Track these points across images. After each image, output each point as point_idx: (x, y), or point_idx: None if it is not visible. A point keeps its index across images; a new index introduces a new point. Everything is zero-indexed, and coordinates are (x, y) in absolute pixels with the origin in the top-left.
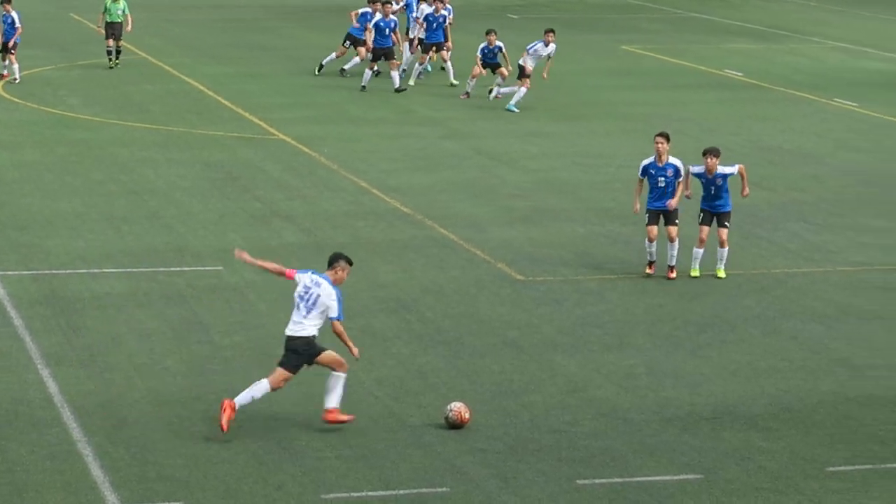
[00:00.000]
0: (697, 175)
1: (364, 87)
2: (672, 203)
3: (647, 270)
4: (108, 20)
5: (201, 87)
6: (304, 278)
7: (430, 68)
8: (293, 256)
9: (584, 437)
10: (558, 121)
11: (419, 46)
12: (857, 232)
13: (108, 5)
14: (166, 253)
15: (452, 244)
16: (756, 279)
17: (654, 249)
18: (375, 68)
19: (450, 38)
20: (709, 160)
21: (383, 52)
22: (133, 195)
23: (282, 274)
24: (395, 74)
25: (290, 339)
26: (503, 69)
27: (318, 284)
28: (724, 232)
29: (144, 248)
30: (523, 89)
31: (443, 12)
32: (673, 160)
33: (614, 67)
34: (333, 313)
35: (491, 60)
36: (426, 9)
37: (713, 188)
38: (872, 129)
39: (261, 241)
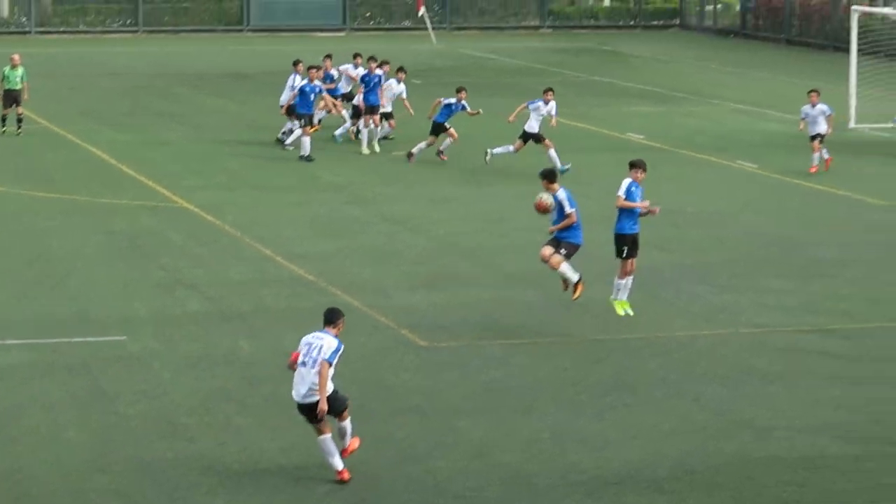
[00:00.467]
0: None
1: (307, 156)
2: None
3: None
4: (7, 87)
5: (104, 156)
6: (304, 340)
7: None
8: (196, 325)
9: (489, 502)
10: (463, 185)
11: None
12: (758, 293)
13: (6, 73)
14: (70, 323)
15: (356, 311)
16: (659, 342)
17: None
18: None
19: (409, 108)
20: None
21: (305, 117)
22: (36, 264)
23: (293, 365)
24: (306, 141)
25: (305, 406)
26: (453, 131)
27: (320, 338)
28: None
29: (47, 318)
30: (511, 147)
31: (378, 72)
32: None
33: (517, 131)
34: (326, 354)
35: (443, 120)
36: (359, 71)
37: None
38: (773, 190)
39: (164, 309)
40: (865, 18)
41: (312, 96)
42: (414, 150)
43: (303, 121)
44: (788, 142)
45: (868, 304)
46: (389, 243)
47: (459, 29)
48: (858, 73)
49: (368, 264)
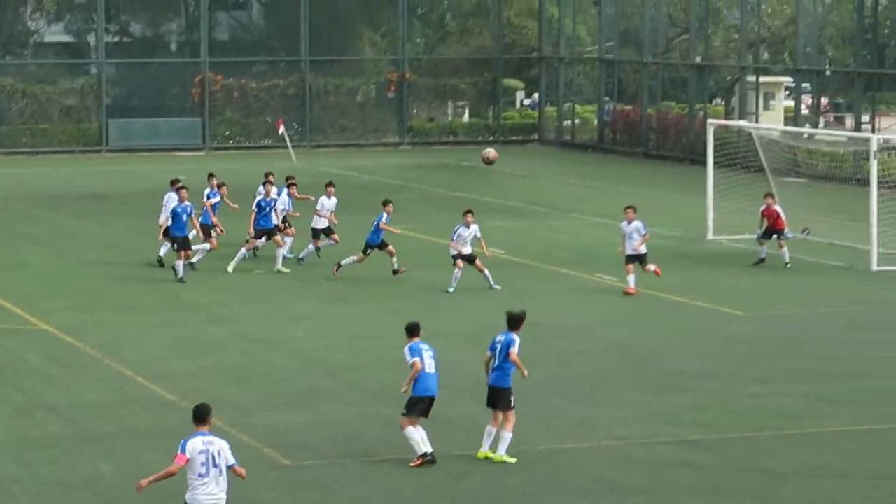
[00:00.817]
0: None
1: (181, 279)
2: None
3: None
4: None
5: None
6: (195, 445)
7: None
8: (56, 448)
9: None
10: (326, 302)
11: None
12: (618, 406)
13: None
14: None
15: (219, 430)
16: (521, 456)
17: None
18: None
19: (290, 225)
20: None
21: (178, 241)
22: None
23: (173, 473)
24: (180, 264)
25: None
26: (391, 248)
27: (211, 443)
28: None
29: None
30: (458, 271)
31: (273, 196)
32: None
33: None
34: (232, 460)
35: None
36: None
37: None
38: (632, 302)
39: (23, 433)
40: (721, 131)
41: (185, 217)
42: (343, 262)
43: (174, 245)
44: (650, 254)
45: (728, 415)
46: (251, 362)
47: (319, 146)
48: (716, 184)
49: (230, 383)
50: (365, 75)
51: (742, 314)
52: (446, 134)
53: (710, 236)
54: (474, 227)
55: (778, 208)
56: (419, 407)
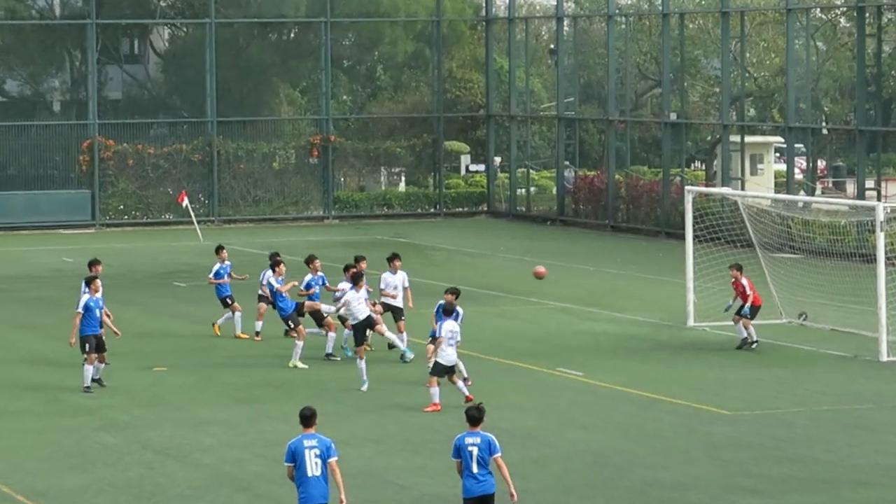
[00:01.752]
0: None
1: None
2: None
3: None
4: None
5: None
6: None
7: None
8: None
9: None
10: (233, 405)
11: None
12: None
13: None
14: None
15: None
16: None
17: None
18: None
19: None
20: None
21: (88, 340)
22: None
23: None
24: (89, 370)
25: None
26: (330, 320)
27: None
28: None
29: None
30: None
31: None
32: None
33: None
34: None
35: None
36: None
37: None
38: (600, 401)
39: None
40: (702, 200)
41: (98, 312)
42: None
43: (87, 346)
44: (618, 344)
45: None
46: (151, 476)
47: (230, 221)
48: (696, 263)
49: (126, 501)
50: (283, 138)
51: (729, 413)
52: (379, 205)
53: (690, 323)
54: (402, 275)
55: (745, 281)
56: None
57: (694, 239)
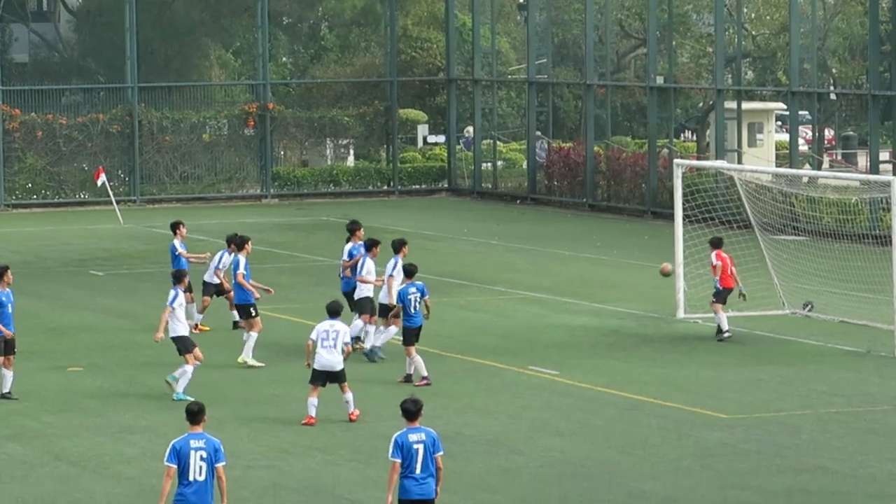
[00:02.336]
0: None
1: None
2: None
3: None
4: None
5: None
6: None
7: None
8: None
9: None
10: (158, 410)
11: None
12: None
13: None
14: None
15: None
16: None
17: None
18: None
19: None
20: None
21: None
22: None
23: None
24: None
25: None
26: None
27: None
28: None
29: None
30: (393, 328)
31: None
32: None
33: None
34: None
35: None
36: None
37: None
38: (578, 403)
39: None
40: (693, 176)
41: (10, 308)
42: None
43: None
44: (597, 339)
45: None
46: (65, 491)
47: (154, 202)
48: (686, 247)
49: None
50: (214, 106)
51: (725, 417)
52: (325, 182)
53: (680, 314)
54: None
55: (718, 262)
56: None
57: (684, 219)
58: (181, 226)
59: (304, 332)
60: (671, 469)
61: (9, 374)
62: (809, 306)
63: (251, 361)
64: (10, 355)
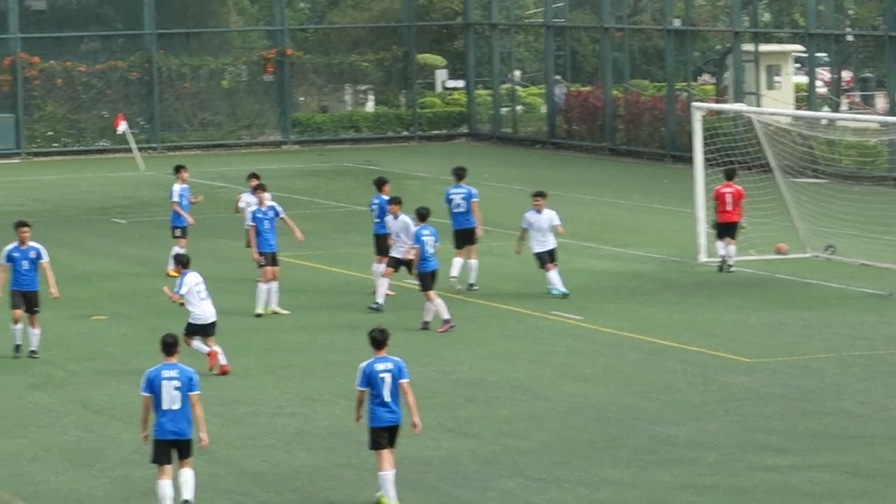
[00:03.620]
0: None
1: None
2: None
3: None
4: None
5: None
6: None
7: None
8: None
9: None
10: (182, 358)
11: None
12: (590, 487)
13: None
14: None
15: None
16: None
17: None
18: None
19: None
20: None
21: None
22: None
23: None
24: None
25: None
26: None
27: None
28: None
29: None
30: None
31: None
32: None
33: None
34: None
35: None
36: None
37: None
38: (602, 349)
39: None
40: (712, 119)
41: (26, 264)
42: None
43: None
44: (621, 283)
45: (736, 497)
46: (91, 438)
47: (174, 148)
48: (707, 190)
49: (65, 469)
50: (232, 53)
51: (748, 361)
52: (345, 128)
53: (702, 258)
54: (549, 213)
55: (727, 191)
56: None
57: (704, 162)
58: (183, 169)
59: (326, 278)
60: (696, 413)
61: (35, 332)
62: (831, 249)
63: (277, 309)
64: (33, 314)
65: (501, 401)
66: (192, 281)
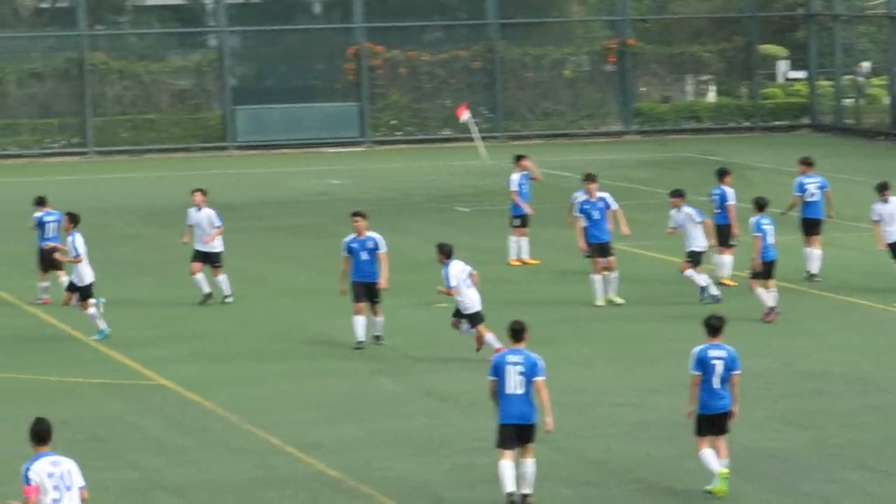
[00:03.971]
0: None
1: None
2: None
3: None
4: None
5: (48, 318)
6: (42, 468)
7: None
8: None
9: None
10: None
11: None
12: None
13: None
14: None
15: None
16: None
17: None
18: None
19: None
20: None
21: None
22: None
23: None
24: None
25: None
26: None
27: (58, 463)
28: None
29: None
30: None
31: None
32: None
33: None
34: (81, 482)
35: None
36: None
37: None
38: None
39: None
40: None
41: (364, 255)
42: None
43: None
44: None
45: None
46: (435, 426)
47: (517, 138)
48: None
49: (409, 456)
50: (574, 43)
51: None
52: (686, 119)
53: None
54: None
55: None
56: (504, 438)
57: None
58: (524, 158)
59: (667, 268)
60: None
61: (378, 320)
62: None
63: (614, 298)
64: (373, 303)
65: (846, 393)
66: (458, 270)
